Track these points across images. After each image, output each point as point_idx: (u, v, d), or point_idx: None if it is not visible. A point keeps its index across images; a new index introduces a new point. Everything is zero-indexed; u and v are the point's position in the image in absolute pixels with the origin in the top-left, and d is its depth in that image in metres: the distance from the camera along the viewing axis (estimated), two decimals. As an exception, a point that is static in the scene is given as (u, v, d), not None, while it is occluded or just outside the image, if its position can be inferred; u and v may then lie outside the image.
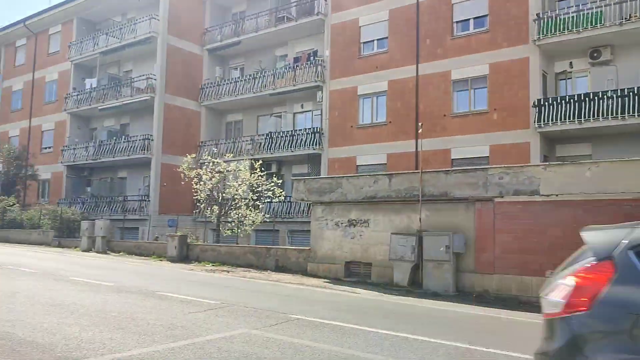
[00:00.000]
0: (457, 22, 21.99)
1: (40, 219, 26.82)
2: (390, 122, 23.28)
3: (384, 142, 23.27)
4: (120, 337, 5.83)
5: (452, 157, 21.26)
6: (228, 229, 21.01)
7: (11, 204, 29.94)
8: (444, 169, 14.57)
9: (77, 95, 32.26)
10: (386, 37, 23.83)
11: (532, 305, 10.79)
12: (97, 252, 21.78)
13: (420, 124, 19.40)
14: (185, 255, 19.29)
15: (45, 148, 34.77)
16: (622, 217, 10.93)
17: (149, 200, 27.61)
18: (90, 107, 31.28)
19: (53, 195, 33.11)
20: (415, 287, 13.18)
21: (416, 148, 21.82)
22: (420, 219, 13.62)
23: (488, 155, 20.12)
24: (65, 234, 25.47)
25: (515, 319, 9.64)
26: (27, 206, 30.94)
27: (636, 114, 16.97)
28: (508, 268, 12.33)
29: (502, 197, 12.59)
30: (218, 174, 21.11)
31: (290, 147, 25.45)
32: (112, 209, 28.86)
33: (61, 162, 32.32)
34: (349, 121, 24.42)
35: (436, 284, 12.85)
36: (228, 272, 15.41)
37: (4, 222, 29.23)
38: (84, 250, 22.18)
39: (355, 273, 14.89)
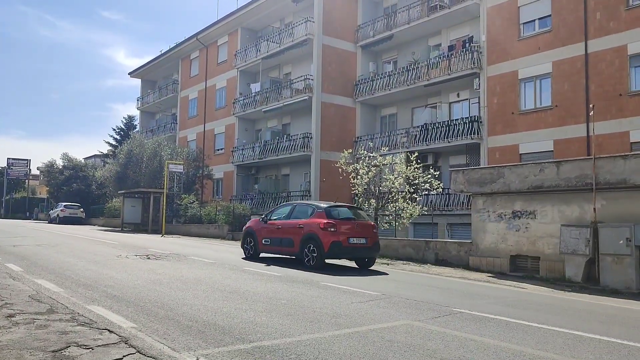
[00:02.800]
0: (633, -11, 19.68)
1: (216, 215, 29.48)
2: (556, 106, 21.64)
3: (549, 128, 21.71)
4: (290, 323, 6.21)
5: (631, 141, 19.14)
6: (385, 222, 21.17)
7: (192, 201, 33.33)
8: (621, 154, 13.13)
9: (244, 99, 34.87)
10: (549, 15, 22.18)
11: None
12: (265, 244, 23.31)
13: (591, 105, 17.72)
14: (346, 247, 19.83)
15: (218, 150, 38.14)
16: None
17: (310, 196, 28.90)
18: (255, 109, 33.63)
19: (226, 193, 36.22)
20: (590, 283, 12.11)
21: (587, 132, 20.02)
22: (594, 209, 12.45)
23: (677, 136, 17.74)
24: (237, 227, 27.67)
25: None
26: (205, 203, 34.19)
27: None
28: None
29: (697, 183, 11.02)
30: (374, 168, 21.34)
31: (447, 137, 24.87)
32: (277, 204, 30.70)
33: (232, 162, 35.24)
34: (509, 108, 23.18)
35: (615, 280, 11.67)
36: (387, 264, 15.55)
37: (186, 217, 32.65)
38: (253, 243, 23.90)
39: (522, 267, 14.10)
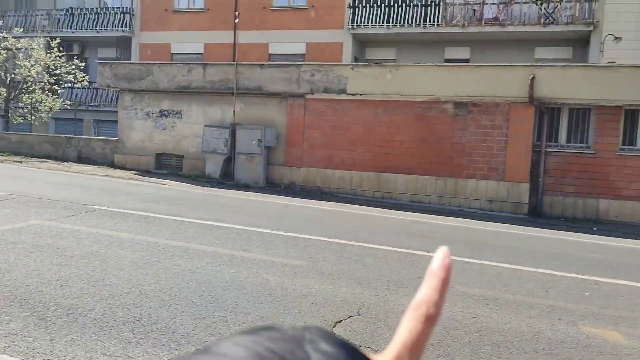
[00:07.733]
0: None
1: None
2: (208, 9, 22.14)
3: (201, 31, 22.18)
4: None
5: (269, 52, 21.17)
6: (19, 116, 18.78)
7: None
8: (259, 63, 14.51)
9: None
10: None
11: (332, 195, 11.71)
12: None
13: (237, 13, 18.77)
14: (-33, 143, 16.91)
15: None
16: (414, 117, 12.17)
17: None
18: None
19: None
20: (227, 179, 13.39)
21: (234, 39, 21.26)
22: (234, 112, 13.58)
23: (305, 52, 20.42)
24: None
25: (307, 205, 10.42)
26: None
27: (436, 23, 18.45)
28: (314, 162, 13.10)
29: (313, 94, 13.05)
30: (5, 51, 18.38)
31: (96, 26, 22.96)
32: None
33: None
34: (163, 4, 22.64)
35: (247, 177, 13.19)
36: (21, 162, 13.95)
37: None
38: None
39: (167, 165, 14.56)
